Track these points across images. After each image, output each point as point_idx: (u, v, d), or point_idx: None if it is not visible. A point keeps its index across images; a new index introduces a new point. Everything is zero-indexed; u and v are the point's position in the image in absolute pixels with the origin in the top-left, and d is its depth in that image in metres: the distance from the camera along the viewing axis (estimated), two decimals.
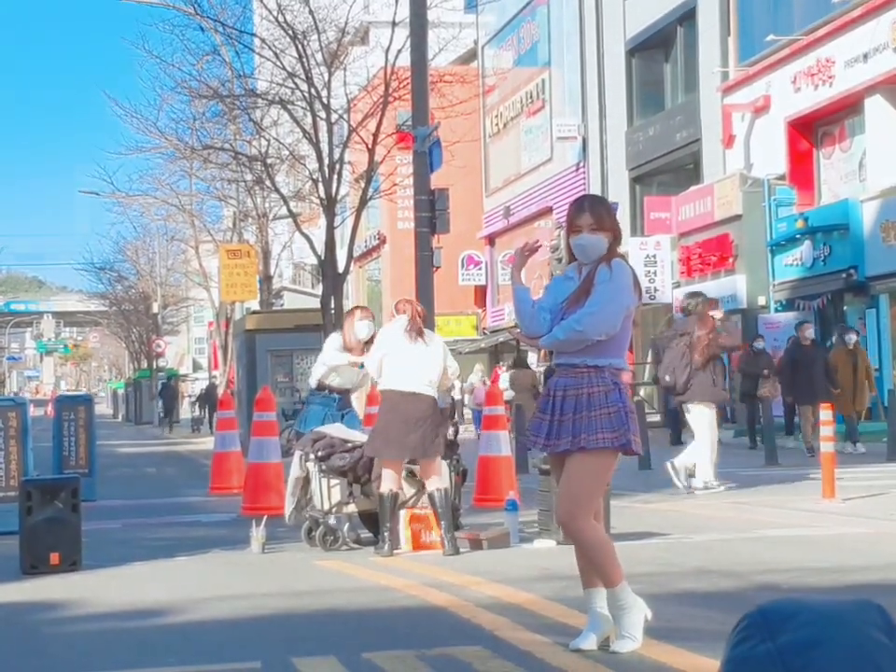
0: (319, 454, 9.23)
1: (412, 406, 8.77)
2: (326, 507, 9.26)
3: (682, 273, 28.62)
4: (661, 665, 5.11)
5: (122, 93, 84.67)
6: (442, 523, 8.78)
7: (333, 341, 10.40)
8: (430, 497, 8.89)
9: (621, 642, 5.35)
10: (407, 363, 8.84)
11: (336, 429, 9.57)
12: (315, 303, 26.73)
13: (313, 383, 10.52)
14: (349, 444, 9.34)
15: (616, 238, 5.66)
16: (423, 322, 9.15)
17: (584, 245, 5.60)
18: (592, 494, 5.44)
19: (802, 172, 25.61)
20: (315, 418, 9.98)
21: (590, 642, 5.37)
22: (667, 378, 12.88)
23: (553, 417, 5.48)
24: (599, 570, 5.43)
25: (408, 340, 8.92)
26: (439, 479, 8.92)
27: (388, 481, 8.86)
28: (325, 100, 23.89)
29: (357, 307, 10.96)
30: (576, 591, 7.02)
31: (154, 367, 57.86)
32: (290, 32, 24.07)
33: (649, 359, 19.69)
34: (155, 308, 57.12)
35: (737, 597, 6.61)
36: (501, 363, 34.85)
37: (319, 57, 24.55)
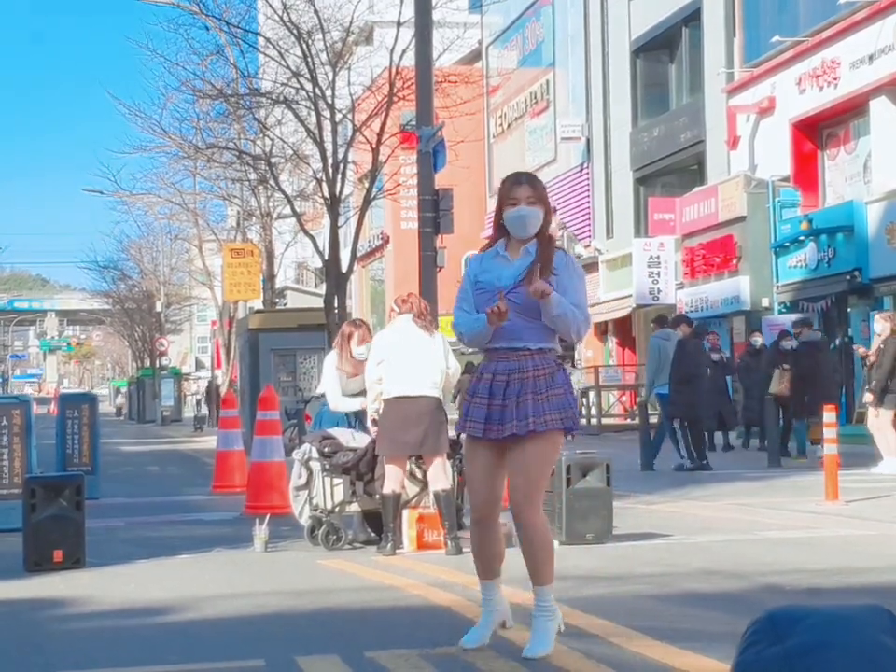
0: (326, 450, 9.27)
1: (414, 404, 8.77)
2: (329, 506, 9.27)
3: (686, 274, 28.61)
4: (664, 666, 5.11)
5: (127, 92, 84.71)
6: (446, 523, 8.79)
7: (331, 365, 9.81)
8: (436, 496, 8.90)
9: (538, 648, 5.27)
10: (409, 366, 8.80)
11: (344, 434, 9.55)
12: (319, 303, 26.73)
13: (332, 406, 10.12)
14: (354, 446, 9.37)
15: (549, 215, 5.50)
16: (428, 316, 9.11)
17: (524, 216, 5.38)
18: (546, 478, 5.58)
19: (806, 173, 25.60)
20: (329, 421, 9.95)
21: (484, 639, 5.48)
22: None
23: (492, 402, 5.32)
24: (542, 565, 5.42)
25: (419, 333, 8.87)
26: (444, 478, 8.92)
27: (391, 481, 8.87)
28: (329, 99, 23.89)
29: (352, 326, 10.12)
30: (579, 591, 7.03)
31: (157, 365, 57.97)
32: (295, 31, 24.08)
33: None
34: (158, 307, 57.21)
35: (740, 598, 6.60)
36: None
37: (324, 56, 24.57)
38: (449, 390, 9.33)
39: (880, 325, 16.04)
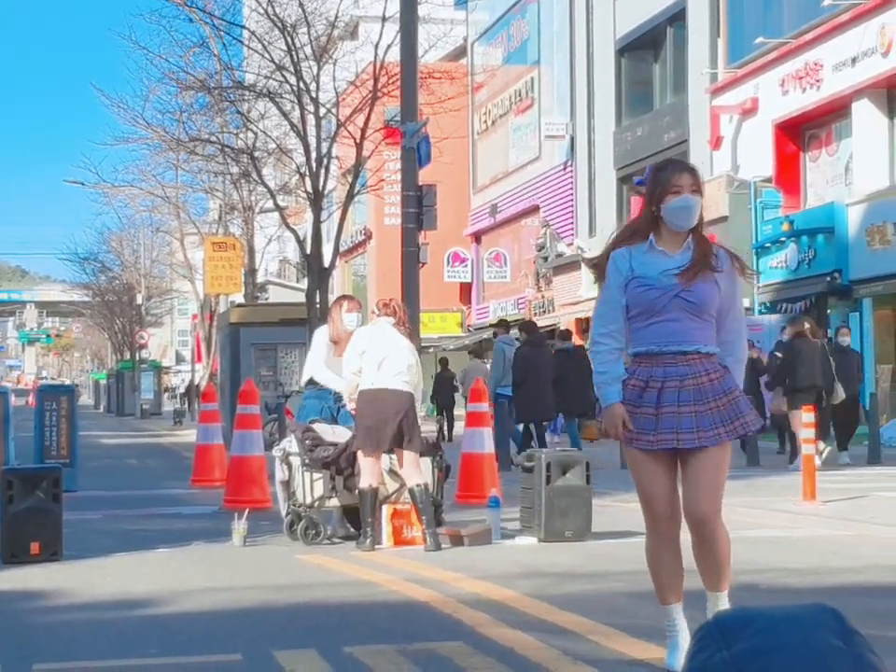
0: (307, 443, 9.27)
1: (390, 400, 8.81)
2: (308, 501, 9.27)
3: None
4: (641, 662, 5.13)
5: (109, 84, 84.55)
6: (424, 518, 8.80)
7: (322, 337, 10.12)
8: (411, 492, 8.92)
9: None
10: (387, 361, 8.87)
11: (326, 430, 9.54)
12: (300, 298, 26.71)
13: (303, 382, 10.29)
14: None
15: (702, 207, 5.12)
16: (407, 324, 9.22)
17: (690, 207, 4.96)
18: (724, 483, 5.14)
19: (788, 174, 25.70)
20: (312, 412, 9.94)
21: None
22: None
23: (663, 410, 4.90)
24: (723, 571, 5.11)
25: (397, 336, 8.95)
26: (418, 474, 8.94)
27: (368, 476, 8.88)
28: (313, 94, 23.85)
29: (343, 297, 10.52)
30: (557, 588, 7.05)
31: (137, 358, 57.81)
32: (279, 24, 24.03)
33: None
34: (139, 299, 57.04)
35: None
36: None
37: (308, 50, 24.52)
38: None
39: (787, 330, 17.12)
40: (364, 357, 8.94)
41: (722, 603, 5.16)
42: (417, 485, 8.86)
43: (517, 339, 18.28)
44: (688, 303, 4.95)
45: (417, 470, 8.96)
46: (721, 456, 5.00)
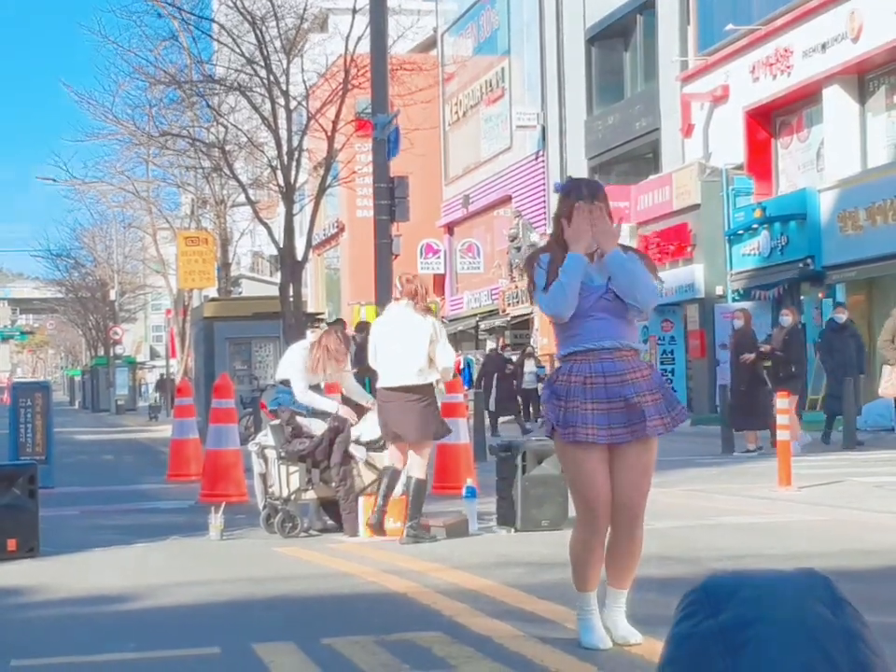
0: (290, 429, 9.26)
1: (395, 395, 8.81)
2: (284, 494, 9.26)
3: None
4: (618, 649, 5.15)
5: (78, 79, 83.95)
6: (410, 511, 8.80)
7: (299, 357, 9.52)
8: (409, 482, 8.90)
9: (634, 635, 5.21)
10: (393, 356, 8.81)
11: (303, 423, 9.52)
12: (274, 291, 26.65)
13: (277, 378, 10.07)
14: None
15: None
16: (424, 299, 9.10)
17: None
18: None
19: (760, 161, 25.78)
20: (286, 403, 9.87)
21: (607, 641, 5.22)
22: None
23: (613, 406, 5.13)
24: (636, 566, 5.31)
25: (410, 319, 8.83)
26: (419, 468, 8.89)
27: (391, 458, 9.05)
28: (283, 87, 23.79)
29: (328, 340, 9.60)
30: (534, 577, 7.07)
31: (111, 354, 57.61)
32: (249, 17, 23.95)
33: None
34: (112, 295, 56.83)
35: (694, 583, 6.63)
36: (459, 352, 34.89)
37: (278, 43, 24.46)
38: (446, 377, 9.33)
39: (785, 318, 16.88)
40: (375, 357, 8.98)
41: (624, 601, 5.31)
42: (416, 478, 8.86)
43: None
44: (610, 303, 5.26)
45: (419, 464, 8.90)
46: (655, 449, 5.28)
